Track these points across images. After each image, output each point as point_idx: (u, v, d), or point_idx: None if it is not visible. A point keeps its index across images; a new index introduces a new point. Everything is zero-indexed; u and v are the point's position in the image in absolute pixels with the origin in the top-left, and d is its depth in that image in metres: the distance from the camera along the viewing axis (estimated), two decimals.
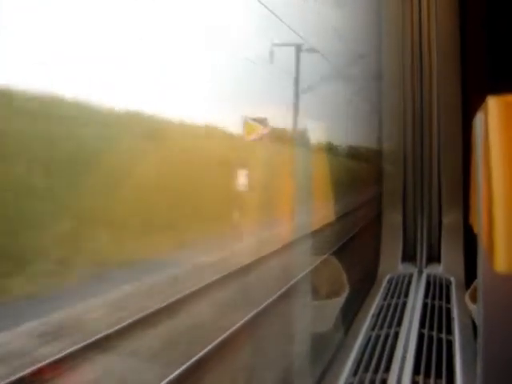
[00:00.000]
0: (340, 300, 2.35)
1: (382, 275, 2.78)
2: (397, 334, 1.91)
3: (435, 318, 2.06)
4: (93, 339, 4.77)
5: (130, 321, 5.26)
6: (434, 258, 2.87)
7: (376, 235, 3.12)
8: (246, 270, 6.65)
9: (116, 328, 5.10)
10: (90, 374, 4.37)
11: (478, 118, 0.98)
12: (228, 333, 4.96)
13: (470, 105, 2.71)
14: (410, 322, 2.00)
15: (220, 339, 4.80)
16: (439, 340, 1.86)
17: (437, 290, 2.43)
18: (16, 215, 5.48)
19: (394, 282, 2.61)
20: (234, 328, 5.06)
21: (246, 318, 5.27)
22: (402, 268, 2.89)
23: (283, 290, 5.84)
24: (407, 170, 2.98)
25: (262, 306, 5.55)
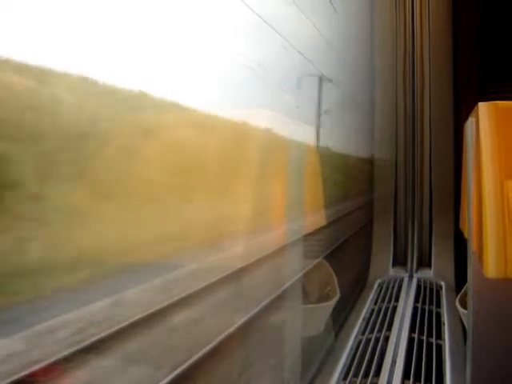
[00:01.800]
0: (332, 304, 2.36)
1: (373, 279, 2.79)
2: (387, 339, 1.91)
3: (425, 322, 2.07)
4: None
5: None
6: (424, 262, 2.88)
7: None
8: None
9: None
10: None
11: (469, 124, 0.98)
12: None
13: (462, 111, 2.72)
14: (401, 327, 2.01)
15: None
16: (429, 344, 1.87)
17: (427, 295, 2.44)
18: None
19: (384, 287, 2.61)
20: None
21: None
22: (393, 272, 2.89)
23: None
24: (398, 175, 2.99)
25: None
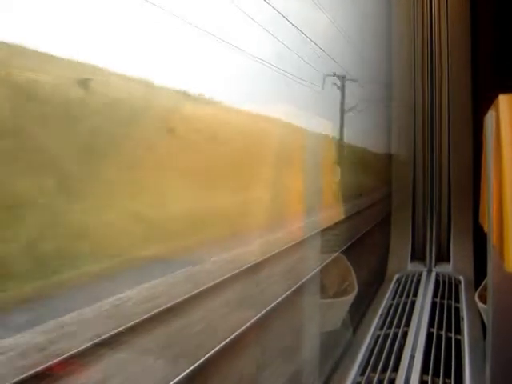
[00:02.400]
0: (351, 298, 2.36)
1: (391, 274, 2.77)
2: (405, 334, 1.90)
3: (444, 317, 2.05)
4: None
5: None
6: (443, 257, 2.86)
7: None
8: None
9: None
10: None
11: (489, 116, 0.97)
12: None
13: (481, 103, 2.69)
14: (419, 322, 1.99)
15: None
16: (448, 339, 1.85)
17: (446, 290, 2.42)
18: None
19: (402, 281, 2.60)
20: None
21: None
22: (411, 267, 2.87)
23: None
24: (417, 168, 2.97)
25: None
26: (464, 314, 2.10)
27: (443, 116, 2.88)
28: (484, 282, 1.76)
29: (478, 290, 1.90)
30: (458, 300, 2.29)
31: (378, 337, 1.93)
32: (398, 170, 3.12)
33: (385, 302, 2.33)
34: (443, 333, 1.90)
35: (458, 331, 1.93)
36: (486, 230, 1.09)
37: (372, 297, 2.53)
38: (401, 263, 2.89)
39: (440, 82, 2.89)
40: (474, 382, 1.54)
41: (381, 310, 2.23)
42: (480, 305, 1.82)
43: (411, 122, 2.98)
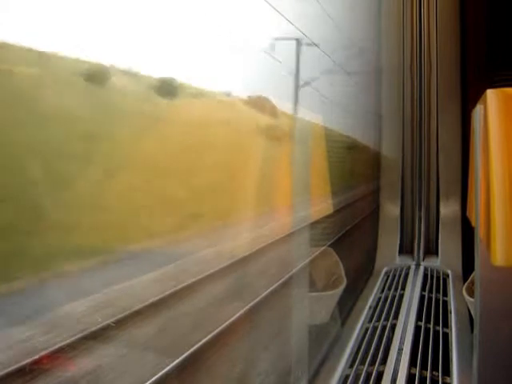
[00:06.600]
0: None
1: (380, 268, 2.78)
2: (394, 327, 1.91)
3: (432, 310, 2.07)
4: None
5: None
6: (431, 250, 2.87)
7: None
8: None
9: None
10: None
11: (477, 110, 0.97)
12: None
13: (469, 97, 2.70)
14: (407, 315, 2.00)
15: None
16: (436, 333, 1.86)
17: (434, 283, 2.43)
18: None
19: (391, 275, 2.61)
20: None
21: None
22: (400, 261, 2.88)
23: None
24: (405, 162, 2.98)
25: None
26: (452, 307, 2.11)
27: (432, 110, 2.89)
28: (472, 276, 1.77)
29: (466, 284, 1.91)
30: (445, 293, 2.30)
31: (367, 329, 1.93)
32: (386, 164, 3.12)
33: (373, 295, 2.34)
34: (431, 326, 1.91)
35: (446, 324, 1.94)
36: (473, 223, 1.10)
37: (361, 290, 2.54)
38: (389, 257, 2.90)
39: (429, 78, 2.90)
40: (461, 374, 1.55)
41: (369, 302, 2.24)
42: (468, 298, 1.84)
43: (400, 117, 2.98)
